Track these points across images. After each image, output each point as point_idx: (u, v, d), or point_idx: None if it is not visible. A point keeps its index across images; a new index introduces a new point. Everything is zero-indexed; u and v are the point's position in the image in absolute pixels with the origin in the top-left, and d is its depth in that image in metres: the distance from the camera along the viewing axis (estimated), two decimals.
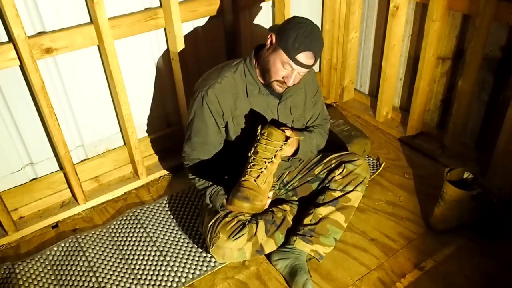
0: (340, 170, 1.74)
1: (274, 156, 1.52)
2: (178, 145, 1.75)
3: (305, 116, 1.77)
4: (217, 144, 1.67)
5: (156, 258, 1.79)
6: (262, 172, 1.50)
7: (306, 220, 1.70)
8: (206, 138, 1.64)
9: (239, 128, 1.65)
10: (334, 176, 1.74)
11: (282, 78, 1.52)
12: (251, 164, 1.52)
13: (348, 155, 1.81)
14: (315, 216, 1.70)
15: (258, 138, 1.52)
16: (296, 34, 1.44)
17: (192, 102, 1.63)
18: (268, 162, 1.51)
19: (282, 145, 1.51)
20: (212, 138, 1.64)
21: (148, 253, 1.81)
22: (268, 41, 1.53)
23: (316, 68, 2.78)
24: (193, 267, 1.74)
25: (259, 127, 1.53)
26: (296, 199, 1.86)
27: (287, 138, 1.52)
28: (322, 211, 1.70)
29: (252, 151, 1.53)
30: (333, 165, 1.78)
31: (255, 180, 1.50)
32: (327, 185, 1.76)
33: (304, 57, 1.46)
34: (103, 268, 1.75)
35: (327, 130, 1.85)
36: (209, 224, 1.65)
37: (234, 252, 1.61)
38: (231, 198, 1.49)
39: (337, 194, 1.71)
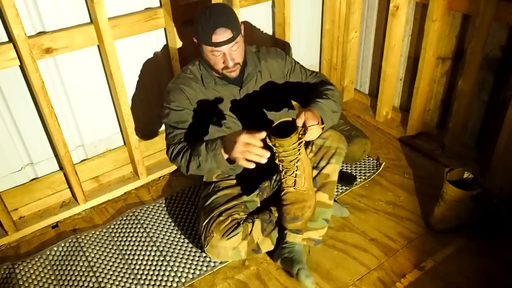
0: (310, 148, 1.68)
1: (299, 154, 1.45)
2: None
3: (284, 93, 1.77)
4: (192, 124, 1.65)
5: (156, 258, 1.79)
6: (296, 175, 1.49)
7: None
8: (181, 118, 1.64)
9: (207, 118, 1.69)
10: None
11: (223, 64, 1.58)
12: (283, 172, 1.50)
13: None
14: None
15: (273, 149, 1.41)
16: (200, 23, 1.53)
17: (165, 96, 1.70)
18: (297, 162, 1.46)
19: (299, 142, 1.40)
20: (185, 117, 1.65)
21: (148, 253, 1.81)
22: (196, 44, 1.61)
23: (316, 68, 2.78)
24: (193, 267, 1.74)
25: (266, 138, 1.38)
26: None
27: (304, 129, 1.38)
28: None
29: (276, 160, 1.46)
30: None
31: (294, 188, 1.50)
32: None
33: (218, 35, 1.51)
34: (103, 268, 1.76)
35: (324, 78, 1.77)
36: (204, 224, 1.66)
37: (229, 251, 1.61)
38: (283, 225, 1.56)
39: (313, 173, 1.66)
